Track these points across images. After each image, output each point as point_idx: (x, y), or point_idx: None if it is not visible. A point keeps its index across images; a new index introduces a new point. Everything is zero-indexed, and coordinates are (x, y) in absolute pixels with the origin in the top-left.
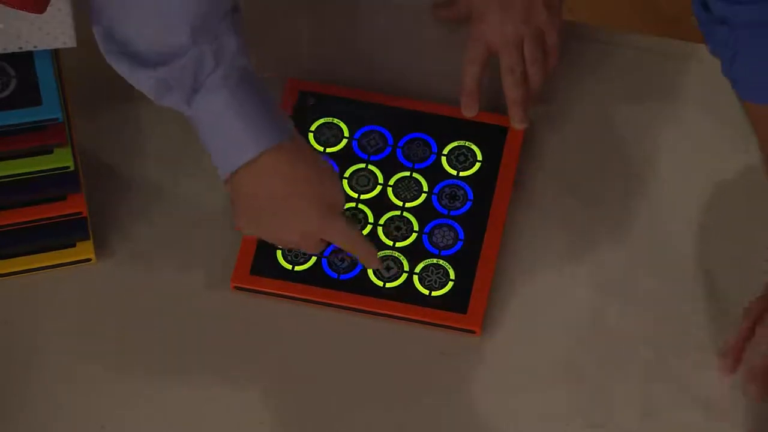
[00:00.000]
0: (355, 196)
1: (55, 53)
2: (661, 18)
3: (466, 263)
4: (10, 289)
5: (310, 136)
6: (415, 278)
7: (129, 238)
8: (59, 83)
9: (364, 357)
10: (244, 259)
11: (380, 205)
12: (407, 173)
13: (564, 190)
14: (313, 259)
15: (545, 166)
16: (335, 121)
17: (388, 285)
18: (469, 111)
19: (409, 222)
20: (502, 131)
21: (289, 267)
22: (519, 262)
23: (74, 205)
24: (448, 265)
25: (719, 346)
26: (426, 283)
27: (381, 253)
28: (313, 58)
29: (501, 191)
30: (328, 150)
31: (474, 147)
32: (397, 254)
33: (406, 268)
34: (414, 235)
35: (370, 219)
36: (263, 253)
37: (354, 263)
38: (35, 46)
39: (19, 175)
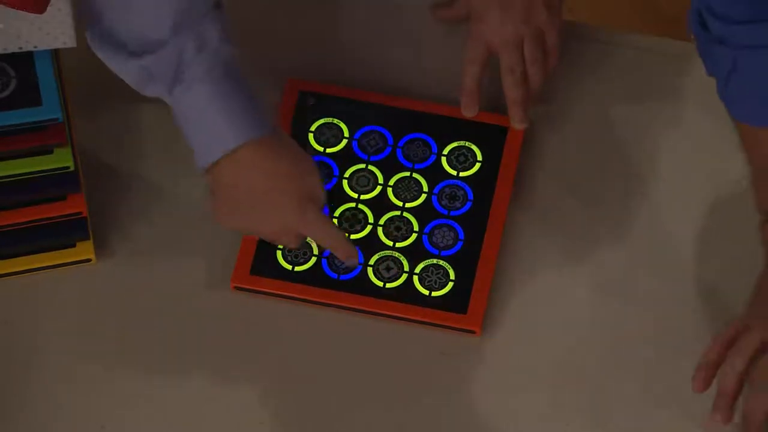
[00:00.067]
0: (355, 196)
1: (55, 53)
2: (661, 18)
3: (466, 263)
4: (10, 289)
5: (310, 136)
6: (415, 278)
7: (129, 238)
8: (59, 83)
9: (364, 357)
10: (244, 259)
11: (380, 205)
12: (407, 173)
13: (564, 190)
14: (313, 259)
15: (545, 166)
16: (335, 121)
17: (388, 285)
18: (469, 111)
19: (409, 222)
20: (502, 131)
21: (289, 267)
22: (519, 262)
23: (74, 205)
24: (448, 266)
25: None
26: (426, 284)
27: (381, 254)
28: (313, 58)
29: (501, 191)
30: (328, 150)
31: (474, 147)
32: (397, 254)
33: (406, 268)
34: (414, 236)
35: (370, 219)
36: (263, 253)
37: (354, 263)
38: (35, 46)
39: (19, 175)
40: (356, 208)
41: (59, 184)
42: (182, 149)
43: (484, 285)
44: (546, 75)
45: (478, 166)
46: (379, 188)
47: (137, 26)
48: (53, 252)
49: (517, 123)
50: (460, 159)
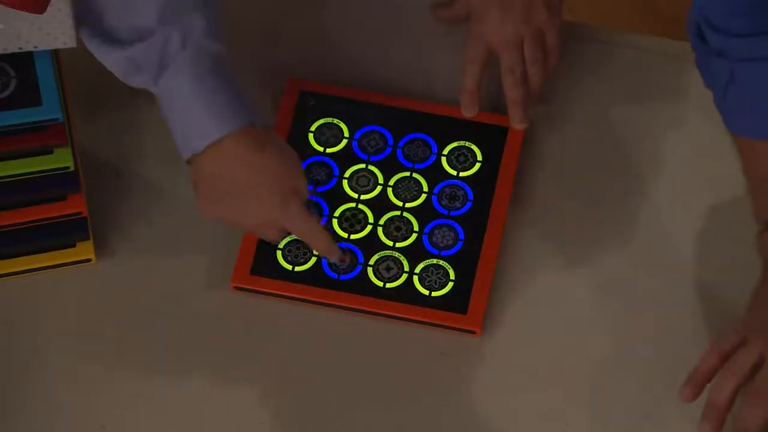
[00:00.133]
0: (355, 196)
1: (55, 53)
2: (661, 18)
3: (466, 263)
4: (10, 289)
5: (310, 136)
6: (415, 278)
7: (129, 238)
8: (59, 83)
9: (364, 357)
10: (244, 259)
11: (380, 205)
12: (407, 173)
13: (564, 190)
14: (313, 259)
15: (545, 166)
16: (335, 121)
17: (388, 285)
18: (469, 111)
19: (409, 222)
20: (502, 131)
21: (289, 267)
22: (519, 262)
23: (74, 205)
24: (448, 266)
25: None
26: (426, 284)
27: (381, 254)
28: (313, 58)
29: (501, 191)
30: (328, 150)
31: (474, 147)
32: (397, 254)
33: (406, 268)
34: (414, 236)
35: (370, 219)
36: (263, 253)
37: (354, 263)
38: (35, 46)
39: (19, 175)
40: (356, 208)
41: (59, 184)
42: None
43: (484, 285)
44: (546, 75)
45: (478, 166)
46: (379, 188)
47: (124, 15)
48: (53, 252)
49: (517, 123)
50: (460, 159)
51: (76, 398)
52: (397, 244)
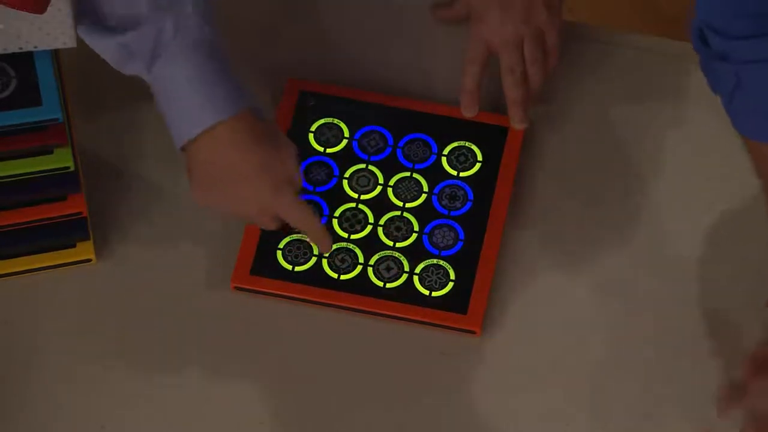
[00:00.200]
0: (356, 196)
1: (55, 53)
2: (661, 18)
3: (466, 263)
4: (10, 289)
5: (310, 136)
6: (416, 278)
7: (129, 238)
8: (59, 83)
9: (364, 357)
10: (244, 259)
11: (380, 205)
12: (407, 173)
13: (564, 190)
14: (313, 259)
15: (545, 166)
16: (335, 121)
17: (388, 285)
18: (469, 111)
19: (410, 222)
20: (502, 131)
21: (289, 267)
22: (519, 262)
23: (74, 205)
24: (449, 266)
25: (720, 386)
26: (426, 284)
27: (381, 254)
28: (313, 58)
29: (501, 191)
30: (329, 150)
31: (474, 147)
32: (397, 254)
33: (407, 268)
34: (414, 236)
35: (371, 219)
36: (263, 253)
37: (354, 263)
38: (35, 46)
39: (19, 175)
40: (356, 208)
41: (59, 184)
42: None
43: (484, 285)
44: (546, 75)
45: (478, 166)
46: (379, 188)
47: (117, 2)
48: (53, 252)
49: (517, 123)
50: (461, 159)
51: (76, 398)
52: (398, 244)
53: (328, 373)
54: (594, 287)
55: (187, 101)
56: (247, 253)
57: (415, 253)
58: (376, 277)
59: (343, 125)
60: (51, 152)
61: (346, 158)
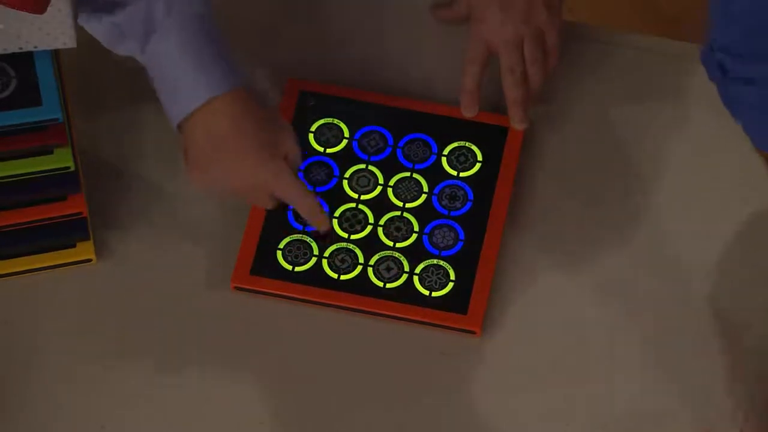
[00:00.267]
0: (356, 196)
1: (55, 53)
2: (661, 18)
3: (466, 264)
4: (10, 289)
5: (311, 136)
6: (416, 279)
7: (129, 238)
8: (59, 83)
9: (364, 357)
10: (244, 259)
11: (380, 205)
12: (407, 174)
13: (564, 190)
14: (313, 259)
15: (545, 166)
16: (335, 121)
17: (388, 285)
18: (469, 111)
19: (410, 222)
20: (502, 131)
21: (289, 267)
22: (519, 262)
23: (74, 205)
24: (449, 266)
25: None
26: (426, 284)
27: (381, 254)
28: (313, 58)
29: (501, 191)
30: (329, 150)
31: (474, 147)
32: (397, 255)
33: (407, 268)
34: (414, 236)
35: (371, 219)
36: (263, 253)
37: (354, 263)
38: (35, 47)
39: (19, 175)
40: (356, 208)
41: (59, 184)
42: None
43: (484, 285)
44: (546, 75)
45: (478, 166)
46: (379, 188)
47: None
48: (53, 252)
49: (517, 123)
50: (461, 159)
51: (76, 398)
52: (398, 245)
53: (328, 373)
54: (594, 287)
55: (182, 78)
56: (247, 253)
57: (415, 254)
58: (376, 277)
59: (343, 125)
60: (51, 152)
61: (346, 158)
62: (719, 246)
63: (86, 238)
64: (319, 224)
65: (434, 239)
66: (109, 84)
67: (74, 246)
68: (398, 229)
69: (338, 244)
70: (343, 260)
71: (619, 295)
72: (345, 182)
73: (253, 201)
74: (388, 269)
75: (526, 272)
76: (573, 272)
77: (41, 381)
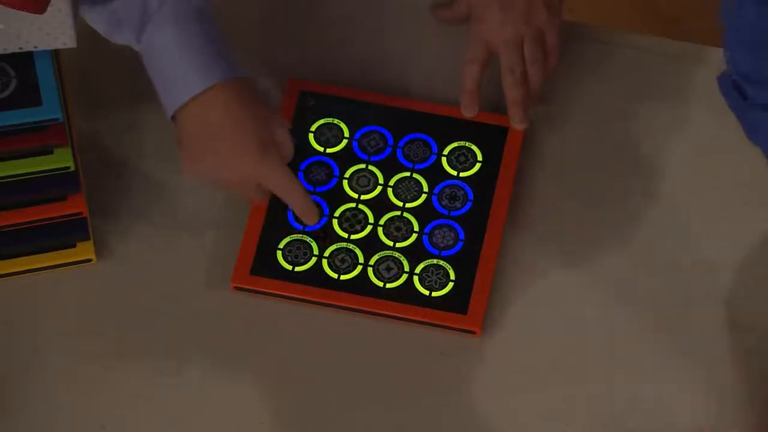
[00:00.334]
0: (356, 196)
1: (55, 53)
2: (661, 18)
3: (466, 264)
4: (10, 289)
5: (311, 136)
6: (416, 279)
7: (129, 238)
8: (59, 83)
9: (364, 357)
10: (244, 259)
11: (380, 205)
12: (407, 174)
13: (564, 190)
14: (313, 259)
15: (545, 166)
16: (335, 121)
17: (388, 285)
18: (469, 111)
19: (410, 222)
20: (502, 131)
21: (289, 267)
22: (519, 262)
23: (74, 205)
24: (449, 266)
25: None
26: (426, 284)
27: (381, 254)
28: (313, 58)
29: (501, 191)
30: (329, 150)
31: (474, 147)
32: (397, 255)
33: (407, 268)
34: (414, 236)
35: (371, 219)
36: (263, 253)
37: (354, 263)
38: (35, 47)
39: (19, 175)
40: (356, 208)
41: (59, 184)
42: None
43: (484, 285)
44: (546, 75)
45: (478, 166)
46: (379, 188)
47: None
48: (53, 252)
49: (517, 123)
50: (461, 159)
51: (76, 398)
52: (398, 245)
53: (328, 373)
54: (594, 287)
55: (176, 68)
56: (247, 253)
57: (415, 253)
58: (376, 277)
59: (343, 125)
60: (51, 152)
61: (346, 158)
62: (719, 246)
63: (86, 238)
64: (308, 219)
65: (434, 239)
66: (109, 84)
67: (74, 246)
68: (398, 229)
69: (338, 244)
70: (343, 260)
71: (619, 295)
72: (345, 182)
73: (243, 193)
74: (388, 269)
75: (526, 272)
76: (573, 272)
77: (41, 381)
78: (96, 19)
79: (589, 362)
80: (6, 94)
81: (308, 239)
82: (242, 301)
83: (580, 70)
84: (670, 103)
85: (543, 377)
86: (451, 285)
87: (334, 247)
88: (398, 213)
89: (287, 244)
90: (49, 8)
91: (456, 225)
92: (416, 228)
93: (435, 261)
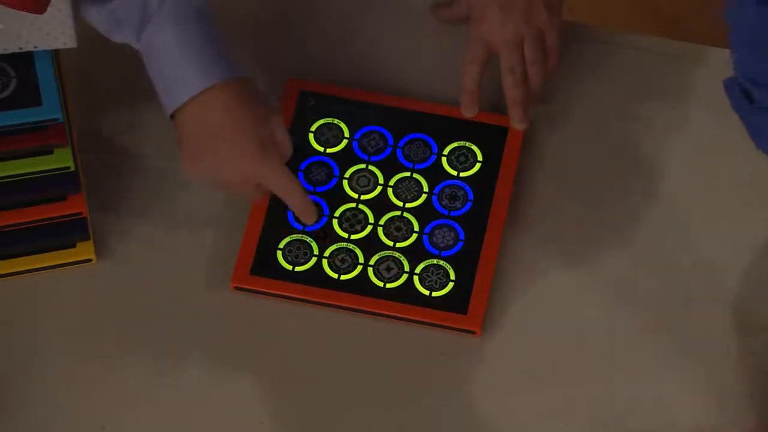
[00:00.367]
0: (356, 196)
1: (55, 53)
2: (661, 18)
3: (466, 264)
4: (10, 289)
5: (311, 136)
6: (416, 279)
7: (129, 238)
8: (59, 83)
9: (364, 357)
10: (244, 259)
11: (380, 205)
12: (407, 174)
13: (564, 190)
14: (314, 259)
15: (545, 166)
16: (335, 121)
17: (388, 285)
18: (469, 111)
19: (410, 222)
20: (502, 131)
21: (290, 267)
22: (519, 262)
23: (74, 205)
24: (449, 266)
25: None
26: (426, 284)
27: (381, 254)
28: (313, 58)
29: (501, 191)
30: (329, 150)
31: (474, 147)
32: (397, 255)
33: (407, 268)
34: (414, 236)
35: (371, 219)
36: (263, 253)
37: (354, 263)
38: (35, 47)
39: (19, 175)
40: (356, 208)
41: (59, 184)
42: None
43: (484, 285)
44: (546, 75)
45: (478, 166)
46: (379, 188)
47: None
48: (53, 252)
49: (517, 123)
50: (461, 159)
51: (76, 398)
52: (398, 245)
53: (328, 373)
54: (594, 287)
55: (176, 68)
56: (247, 253)
57: (415, 253)
58: (376, 277)
59: (343, 125)
60: (51, 152)
61: (346, 158)
62: (719, 246)
63: (86, 238)
64: (307, 219)
65: (434, 239)
66: (109, 84)
67: (74, 246)
68: (398, 229)
69: (338, 244)
70: (343, 260)
71: (619, 295)
72: (345, 182)
73: (243, 192)
74: (388, 269)
75: (526, 272)
76: (573, 272)
77: (41, 381)
78: (95, 18)
79: (589, 362)
80: (6, 94)
81: (308, 239)
82: (242, 301)
83: (580, 70)
84: (670, 103)
85: (543, 377)
86: (451, 285)
87: (334, 247)
88: (398, 213)
89: (287, 244)
90: (49, 8)
91: (456, 225)
92: (416, 228)
93: (435, 261)
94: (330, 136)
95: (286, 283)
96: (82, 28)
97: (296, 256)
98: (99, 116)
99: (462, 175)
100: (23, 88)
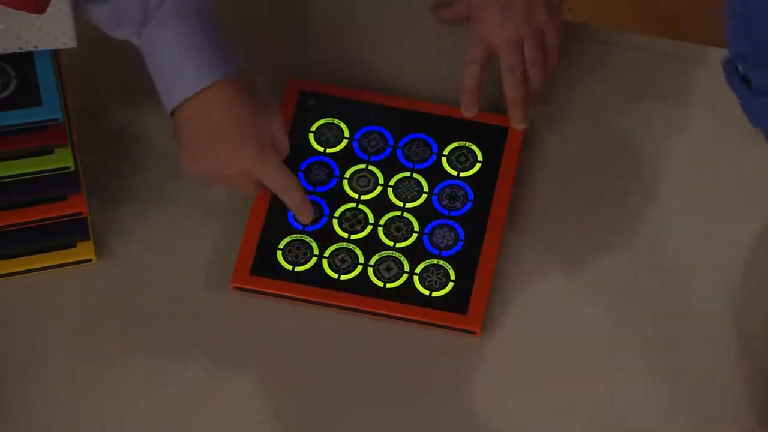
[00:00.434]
0: (356, 196)
1: (55, 53)
2: (661, 18)
3: (466, 264)
4: (10, 289)
5: (311, 136)
6: (416, 279)
7: (129, 238)
8: (59, 83)
9: (364, 357)
10: (244, 259)
11: (380, 205)
12: (407, 174)
13: (564, 190)
14: (314, 259)
15: (545, 166)
16: (335, 121)
17: (388, 285)
18: (469, 111)
19: (410, 222)
20: (502, 131)
21: (290, 267)
22: (519, 263)
23: (74, 205)
24: (449, 266)
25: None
26: (426, 284)
27: (381, 254)
28: (313, 58)
29: (501, 191)
30: (329, 150)
31: (474, 147)
32: (397, 255)
33: (407, 268)
34: (414, 236)
35: (371, 219)
36: (263, 253)
37: (354, 263)
38: (35, 47)
39: (19, 175)
40: (356, 208)
41: (59, 184)
42: None
43: (484, 285)
44: (546, 75)
45: (478, 166)
46: (379, 188)
47: None
48: (53, 252)
49: (517, 123)
50: (461, 159)
51: (76, 398)
52: (398, 245)
53: (328, 373)
54: (594, 287)
55: (176, 66)
56: (247, 253)
57: (415, 254)
58: (376, 277)
59: (343, 125)
60: (51, 152)
61: (346, 158)
62: (719, 246)
63: (86, 238)
64: (304, 217)
65: (434, 239)
66: (109, 84)
67: (74, 246)
68: (398, 229)
69: (338, 244)
70: (343, 260)
71: (619, 295)
72: (345, 182)
73: (238, 187)
74: (388, 269)
75: (526, 272)
76: (573, 272)
77: (41, 381)
78: (96, 16)
79: (589, 362)
80: (6, 94)
81: (308, 239)
82: (242, 301)
83: (580, 70)
84: (670, 103)
85: (543, 377)
86: (451, 285)
87: (334, 247)
88: (398, 213)
89: (287, 244)
90: (49, 8)
91: (456, 225)
92: (416, 228)
93: (435, 261)
94: (330, 136)
95: (286, 283)
96: (82, 28)
97: (296, 256)
98: (99, 116)
99: (462, 175)
100: (23, 88)
